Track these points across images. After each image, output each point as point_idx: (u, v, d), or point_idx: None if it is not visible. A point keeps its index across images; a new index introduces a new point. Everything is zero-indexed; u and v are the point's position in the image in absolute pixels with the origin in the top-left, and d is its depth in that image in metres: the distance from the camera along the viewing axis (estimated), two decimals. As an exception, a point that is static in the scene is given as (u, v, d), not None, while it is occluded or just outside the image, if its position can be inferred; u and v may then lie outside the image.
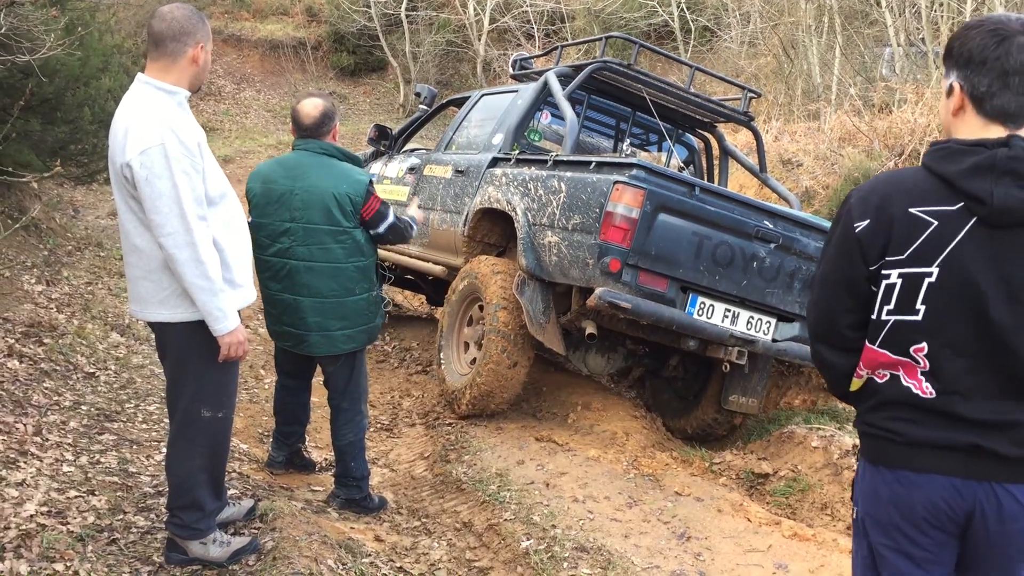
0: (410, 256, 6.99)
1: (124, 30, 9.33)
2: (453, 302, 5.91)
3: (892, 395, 1.96)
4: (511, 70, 7.11)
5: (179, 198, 2.85)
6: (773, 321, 5.22)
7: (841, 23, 12.77)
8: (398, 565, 3.66)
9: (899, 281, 1.92)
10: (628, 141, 6.78)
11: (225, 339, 3.02)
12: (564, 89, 5.93)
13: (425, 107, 7.70)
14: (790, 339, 5.26)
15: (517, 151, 6.14)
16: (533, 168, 5.58)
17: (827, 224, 5.50)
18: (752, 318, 5.17)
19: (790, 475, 4.85)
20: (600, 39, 6.66)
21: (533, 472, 4.69)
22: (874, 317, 1.97)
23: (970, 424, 1.88)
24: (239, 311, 3.10)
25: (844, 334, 2.04)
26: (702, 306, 5.02)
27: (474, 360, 5.60)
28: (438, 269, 6.54)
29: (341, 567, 3.39)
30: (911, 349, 1.92)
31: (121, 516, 3.49)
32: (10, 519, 3.11)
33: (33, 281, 6.15)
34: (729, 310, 5.10)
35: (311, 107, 4.02)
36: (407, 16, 20.61)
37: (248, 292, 3.22)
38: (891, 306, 1.93)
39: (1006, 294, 1.85)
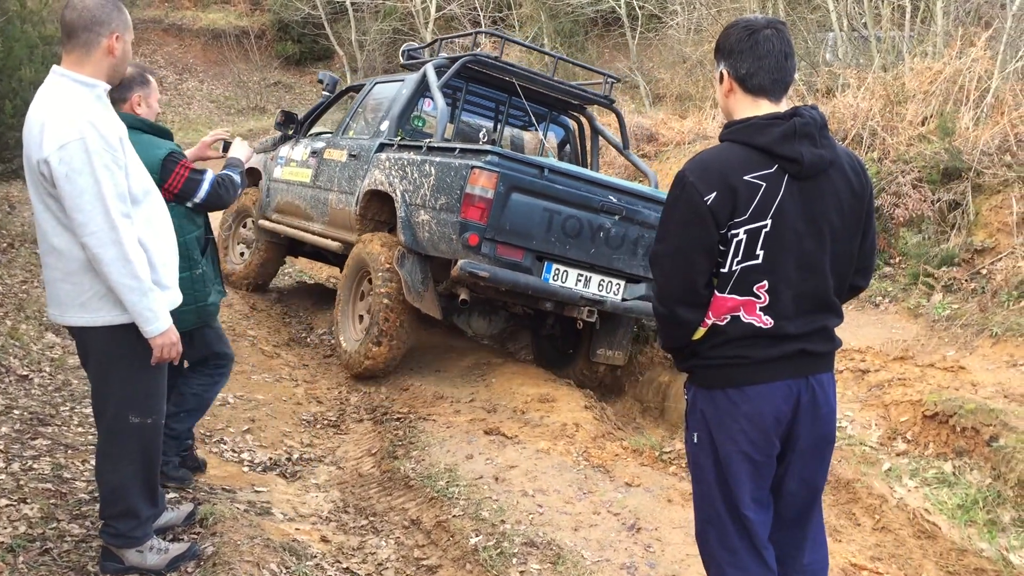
0: (312, 233, 7.48)
1: (55, 21, 9.01)
2: (347, 276, 6.56)
3: (736, 332, 2.38)
4: (401, 59, 7.63)
5: (102, 195, 2.72)
6: (622, 283, 5.99)
7: (785, 9, 12.86)
8: (344, 566, 3.59)
9: (744, 236, 2.32)
10: (492, 127, 7.60)
11: (157, 340, 2.91)
12: (439, 79, 6.58)
13: (327, 93, 8.24)
14: (637, 298, 6.04)
15: (401, 137, 6.69)
16: (411, 153, 6.22)
17: (656, 192, 6.47)
18: (603, 281, 5.93)
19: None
20: (472, 33, 8.70)
21: (482, 466, 4.64)
22: (724, 270, 2.35)
23: (795, 338, 2.39)
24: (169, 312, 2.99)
25: (701, 292, 2.39)
26: (557, 272, 5.77)
27: (368, 328, 6.20)
28: (335, 245, 7.11)
29: (284, 571, 3.31)
30: (754, 288, 2.35)
31: (55, 524, 3.37)
32: (-67, 533, 2.98)
33: (-37, 281, 5.95)
34: (581, 275, 5.85)
35: None
36: (352, 4, 20.35)
37: (175, 294, 3.11)
38: (739, 257, 2.34)
39: (815, 229, 2.36)
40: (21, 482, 3.63)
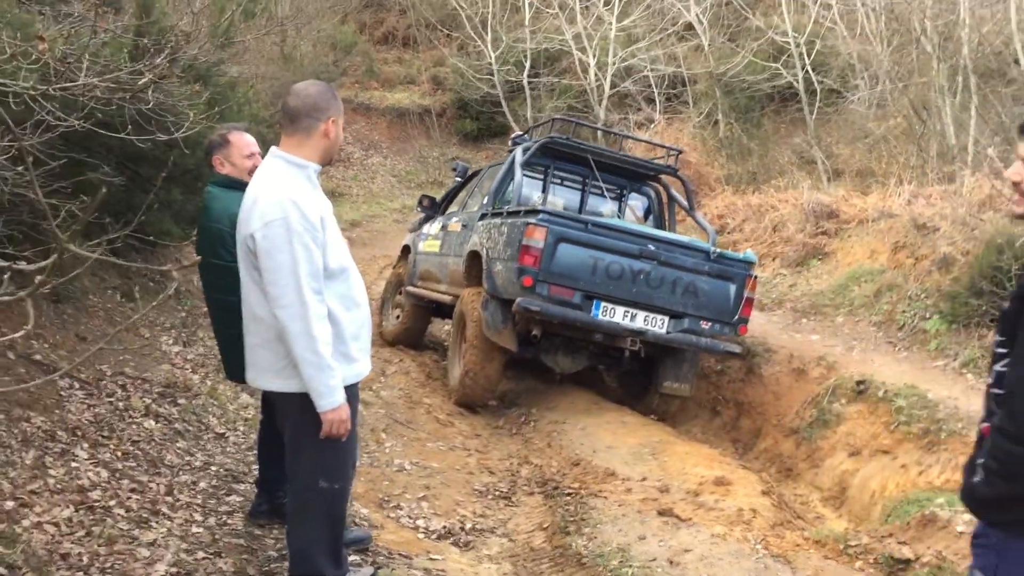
0: (439, 292, 8.69)
1: (261, 100, 9.77)
2: (454, 324, 7.80)
3: None
4: (509, 145, 8.87)
5: (296, 271, 2.90)
6: (666, 319, 7.01)
7: (976, 83, 12.31)
8: (517, 642, 3.57)
9: None
10: (548, 194, 8.72)
11: (328, 416, 3.01)
12: (523, 158, 7.94)
13: (459, 178, 9.77)
14: (680, 331, 7.03)
15: (495, 207, 7.82)
16: (494, 219, 7.51)
17: (701, 244, 7.41)
18: (648, 316, 6.98)
19: (934, 562, 4.52)
20: (550, 121, 9.80)
21: (656, 548, 4.54)
22: None
23: None
24: (356, 383, 3.12)
25: None
26: (605, 309, 6.89)
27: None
28: (450, 299, 8.23)
29: (459, 642, 3.32)
30: None
31: (245, 579, 3.52)
32: (141, 579, 3.18)
33: (171, 342, 6.41)
34: (628, 311, 6.93)
35: None
36: (529, 83, 20.99)
37: (363, 366, 3.23)
38: None
39: None
40: (216, 536, 3.83)
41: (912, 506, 5.29)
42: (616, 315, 6.90)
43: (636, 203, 8.97)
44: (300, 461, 3.18)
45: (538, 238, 6.65)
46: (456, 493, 5.48)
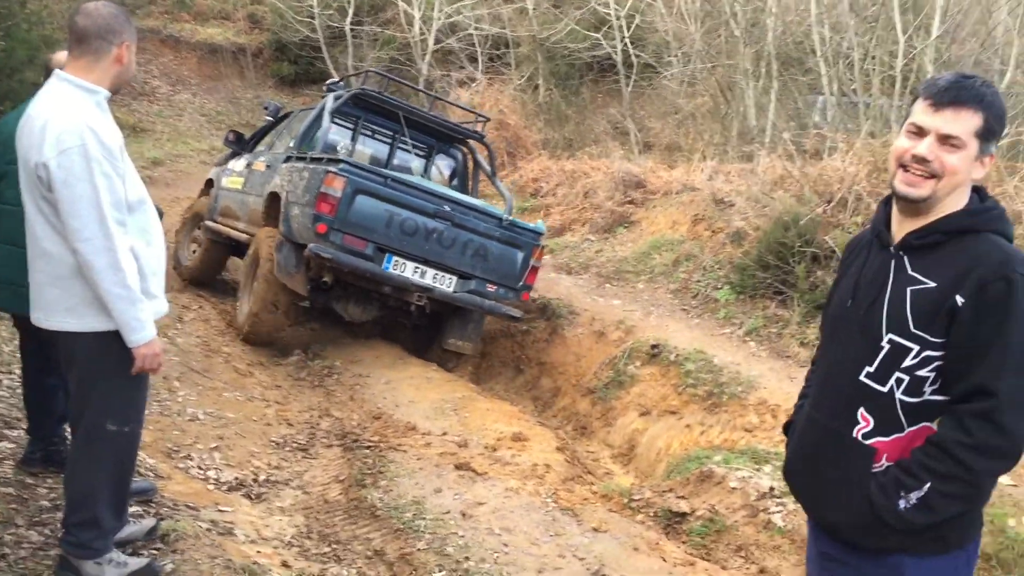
0: (238, 230, 8.64)
1: (56, 22, 9.02)
2: (246, 262, 7.82)
3: None
4: (324, 90, 8.93)
5: (99, 202, 2.73)
6: (454, 278, 7.29)
7: (778, 69, 13.05)
8: (304, 593, 3.54)
9: None
10: (357, 145, 8.73)
11: (141, 351, 2.88)
12: (334, 106, 7.99)
13: (270, 118, 9.76)
14: (466, 291, 7.31)
15: (301, 152, 7.87)
16: (297, 163, 7.54)
17: (495, 210, 7.66)
18: (437, 275, 7.22)
19: (707, 515, 4.84)
20: (363, 73, 10.28)
21: (450, 501, 4.60)
22: None
23: None
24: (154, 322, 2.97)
25: None
26: (396, 263, 7.08)
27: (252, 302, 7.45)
28: (247, 239, 8.21)
29: (244, 594, 3.25)
30: None
31: (13, 530, 3.30)
32: None
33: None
34: (418, 268, 7.15)
35: None
36: (351, 30, 20.46)
37: (162, 303, 3.09)
38: None
39: None
40: (-19, 485, 3.56)
41: (692, 463, 5.62)
42: (406, 270, 7.12)
43: (443, 163, 9.18)
44: (88, 403, 2.99)
45: (337, 187, 6.78)
46: (251, 444, 5.35)
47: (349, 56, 20.34)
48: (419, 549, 4.00)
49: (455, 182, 9.10)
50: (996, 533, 4.36)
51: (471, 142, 9.03)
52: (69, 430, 3.41)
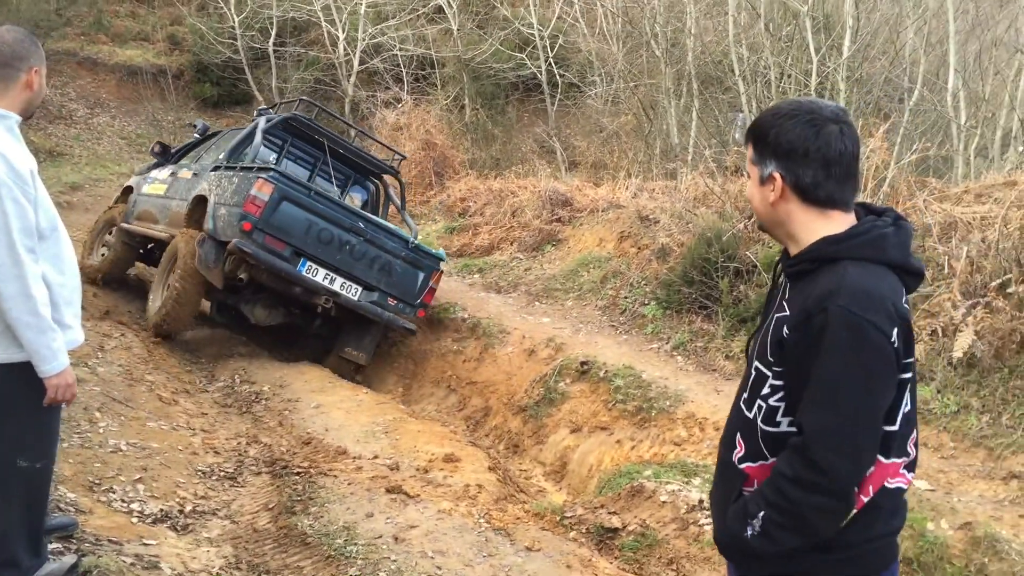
0: (155, 231, 9.13)
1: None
2: (164, 260, 8.27)
3: (887, 503, 1.95)
4: (254, 116, 9.52)
5: (8, 228, 2.67)
6: (360, 288, 7.93)
7: (698, 88, 13.34)
8: (233, 626, 3.47)
9: (909, 376, 1.90)
10: (297, 170, 9.39)
11: (52, 381, 2.81)
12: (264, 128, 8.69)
13: (198, 135, 10.36)
14: (369, 302, 7.97)
15: (234, 164, 8.36)
16: (227, 171, 8.12)
17: (404, 233, 8.34)
18: (345, 283, 7.86)
19: (639, 530, 4.89)
20: (297, 100, 10.71)
21: (382, 525, 4.57)
22: (894, 428, 1.90)
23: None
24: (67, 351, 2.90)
25: (871, 466, 1.89)
26: (310, 268, 7.69)
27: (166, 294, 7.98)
28: (167, 236, 8.66)
29: (170, 629, 3.18)
30: (908, 442, 1.96)
31: (-76, 574, 3.17)
32: None
33: None
34: (329, 274, 7.77)
35: None
36: (275, 51, 20.30)
37: (77, 334, 3.02)
38: (903, 407, 1.90)
39: None
40: None
41: (623, 478, 5.68)
42: (318, 275, 7.75)
43: (356, 194, 10.00)
44: (-2, 439, 2.90)
45: (265, 191, 7.39)
46: (177, 475, 5.22)
47: (273, 77, 20.17)
48: (351, 575, 3.96)
49: (367, 211, 9.60)
50: (916, 537, 4.50)
51: (384, 178, 9.83)
52: None
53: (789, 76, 11.58)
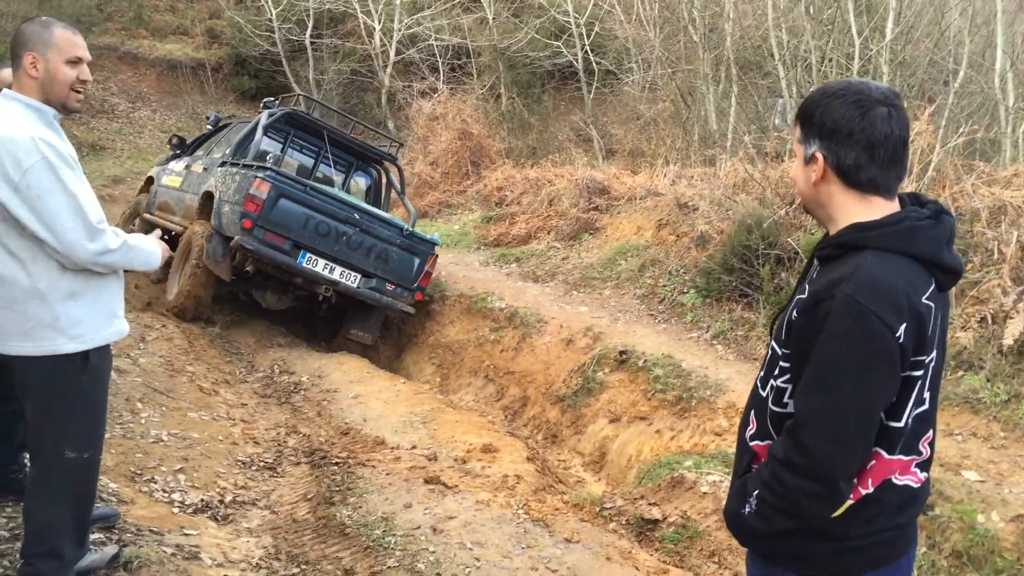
0: (172, 223, 9.55)
1: (5, 42, 8.88)
2: (179, 250, 8.64)
3: (891, 499, 1.93)
4: (261, 108, 9.83)
5: (79, 206, 2.75)
6: (358, 275, 8.36)
7: (737, 73, 13.15)
8: (273, 616, 3.47)
9: (921, 374, 1.86)
10: (286, 156, 9.85)
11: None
12: (267, 122, 9.10)
13: (210, 127, 10.66)
14: (368, 288, 8.41)
15: (239, 158, 8.75)
16: (232, 168, 8.49)
17: (398, 221, 8.82)
18: (344, 272, 8.29)
19: (679, 521, 4.83)
20: (296, 96, 10.99)
21: (420, 516, 4.55)
22: (899, 424, 1.87)
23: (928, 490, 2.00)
24: (111, 343, 2.92)
25: (864, 458, 1.88)
26: (310, 259, 8.10)
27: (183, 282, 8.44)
28: (180, 229, 9.12)
29: (210, 620, 3.18)
30: (921, 442, 1.93)
31: (-31, 563, 3.21)
32: None
33: None
34: (328, 264, 8.19)
35: None
36: (312, 43, 20.37)
37: (123, 324, 3.04)
38: (913, 405, 1.87)
39: (942, 352, 1.94)
40: (-64, 517, 3.46)
41: (663, 469, 5.61)
42: (318, 266, 8.15)
43: (361, 180, 10.45)
44: (45, 430, 2.92)
45: (262, 190, 7.79)
46: (217, 465, 5.25)
47: (310, 69, 20.26)
48: (389, 567, 3.95)
49: (370, 196, 10.31)
50: (966, 530, 4.39)
51: (385, 164, 10.26)
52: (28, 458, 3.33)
53: (831, 60, 11.37)
